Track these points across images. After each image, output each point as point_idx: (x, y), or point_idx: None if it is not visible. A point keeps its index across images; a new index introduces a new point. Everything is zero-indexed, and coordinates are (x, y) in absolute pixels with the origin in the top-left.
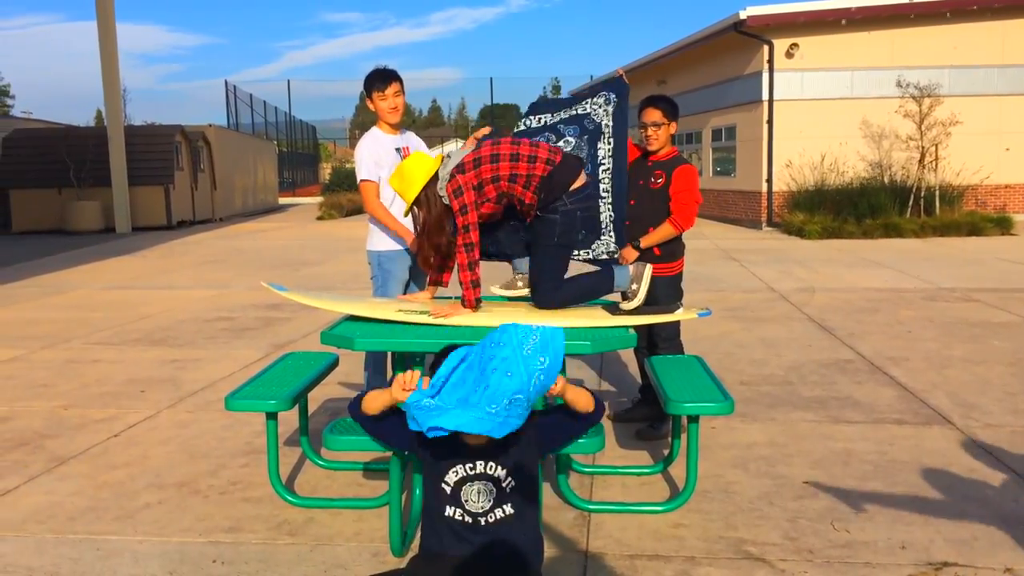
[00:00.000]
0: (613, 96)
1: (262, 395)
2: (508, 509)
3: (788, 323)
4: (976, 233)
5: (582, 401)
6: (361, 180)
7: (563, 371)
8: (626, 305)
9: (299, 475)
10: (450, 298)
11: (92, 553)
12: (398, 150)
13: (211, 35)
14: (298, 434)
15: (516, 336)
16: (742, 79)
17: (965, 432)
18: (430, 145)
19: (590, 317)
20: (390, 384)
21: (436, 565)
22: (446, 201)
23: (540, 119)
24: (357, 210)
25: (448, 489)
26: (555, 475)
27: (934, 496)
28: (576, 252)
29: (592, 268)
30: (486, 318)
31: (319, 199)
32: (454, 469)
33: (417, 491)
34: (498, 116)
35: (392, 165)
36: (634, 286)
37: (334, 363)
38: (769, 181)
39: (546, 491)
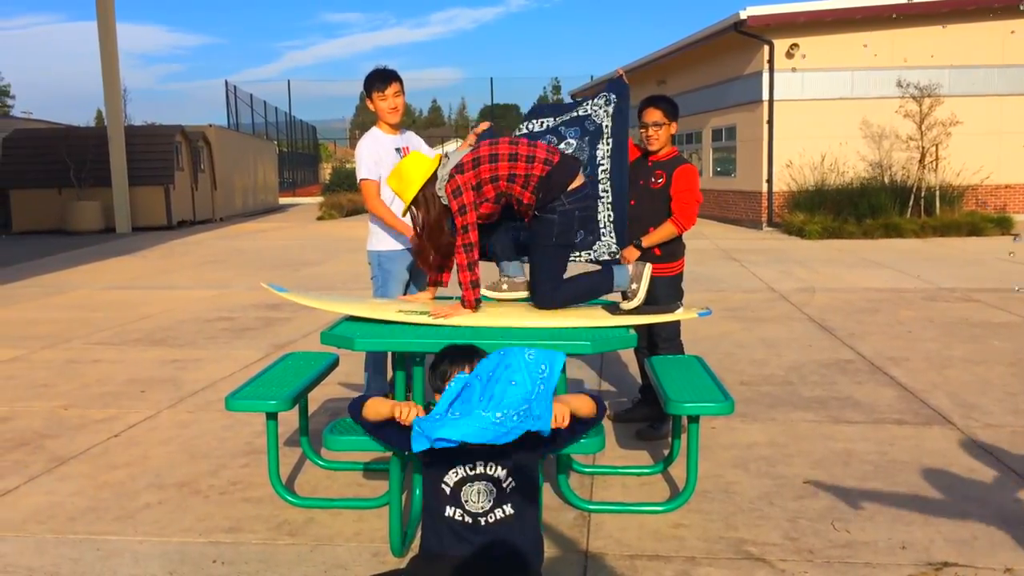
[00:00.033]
0: (613, 96)
1: (262, 395)
2: (508, 509)
3: (788, 323)
4: (976, 233)
5: (584, 408)
6: (361, 179)
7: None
8: (626, 305)
9: (299, 475)
10: (450, 299)
11: (92, 553)
12: (398, 150)
13: (211, 35)
14: (298, 434)
15: (516, 351)
16: (742, 79)
17: (965, 432)
18: (430, 146)
19: (590, 317)
20: (391, 386)
21: (436, 565)
22: (445, 202)
23: (542, 123)
24: (357, 210)
25: (448, 489)
26: (555, 475)
27: (934, 496)
28: (577, 253)
29: (592, 268)
30: (486, 318)
31: (319, 199)
32: (454, 469)
33: (417, 491)
34: (498, 116)
35: (392, 165)
36: (634, 286)
37: (334, 363)
38: (769, 181)
39: (546, 491)
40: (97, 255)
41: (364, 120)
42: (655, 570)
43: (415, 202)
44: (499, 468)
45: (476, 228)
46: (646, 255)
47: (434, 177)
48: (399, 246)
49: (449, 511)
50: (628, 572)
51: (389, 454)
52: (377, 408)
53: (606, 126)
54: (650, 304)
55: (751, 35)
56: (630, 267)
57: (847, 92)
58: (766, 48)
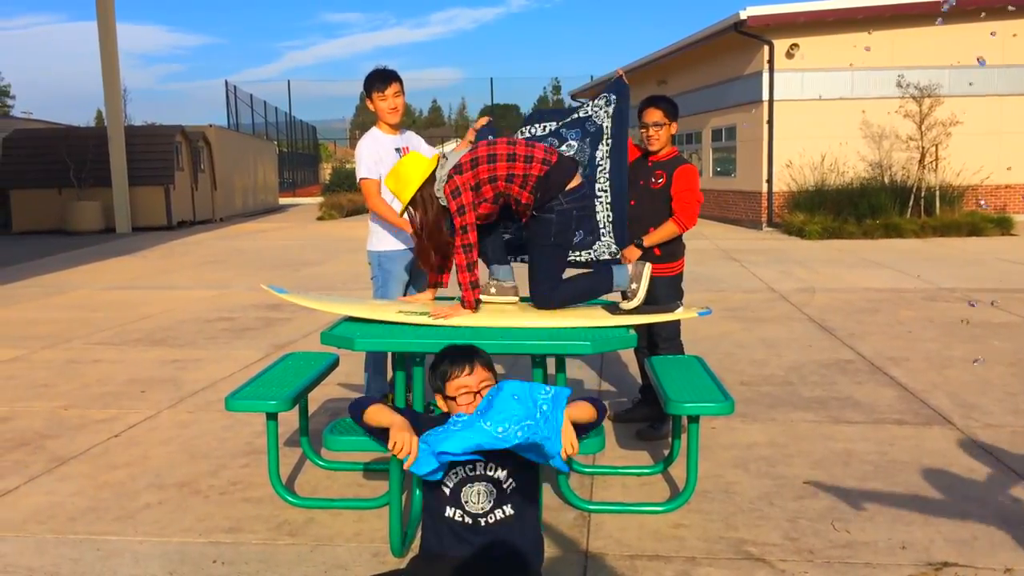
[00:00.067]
0: (613, 97)
1: (262, 395)
2: (508, 510)
3: (788, 323)
4: (976, 233)
5: (584, 415)
6: (362, 178)
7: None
8: (626, 305)
9: (299, 475)
10: (450, 299)
11: (92, 553)
12: (398, 150)
13: (211, 35)
14: (298, 434)
15: (517, 382)
16: (742, 79)
17: (965, 432)
18: (431, 146)
19: (590, 317)
20: (391, 386)
21: (436, 566)
22: (443, 203)
23: (544, 127)
24: (357, 210)
25: (448, 490)
26: (555, 475)
27: (934, 496)
28: (578, 253)
29: (591, 268)
30: (486, 318)
31: (319, 199)
32: (454, 470)
33: (417, 492)
34: (498, 116)
35: (392, 165)
36: (633, 285)
37: (334, 363)
38: (769, 181)
39: (546, 491)
40: (97, 255)
41: (364, 120)
42: (655, 570)
43: (412, 203)
44: (499, 469)
45: (475, 228)
46: (646, 255)
47: (432, 178)
48: (399, 246)
49: (449, 512)
50: (628, 572)
51: (389, 454)
52: (378, 417)
53: (606, 126)
54: (650, 304)
55: (751, 35)
56: (630, 267)
57: (847, 92)
58: (766, 48)
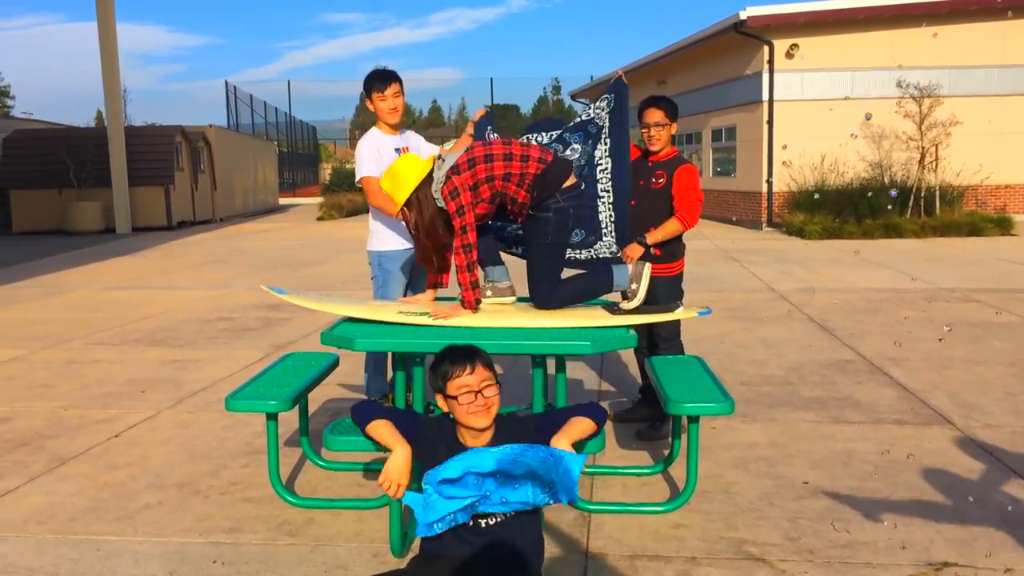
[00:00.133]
0: (613, 97)
1: (262, 396)
2: (509, 511)
3: (788, 323)
4: (976, 233)
5: (585, 432)
6: (363, 177)
7: (562, 388)
8: (626, 305)
9: (299, 475)
10: (451, 299)
11: (92, 554)
12: (398, 150)
13: (211, 35)
14: (298, 435)
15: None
16: (742, 79)
17: (965, 432)
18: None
19: (590, 317)
20: (391, 386)
21: (436, 566)
22: (441, 203)
23: (550, 134)
24: (357, 210)
25: None
26: None
27: (934, 496)
28: (578, 252)
29: (591, 269)
30: (486, 318)
31: (319, 199)
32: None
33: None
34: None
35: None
36: (633, 286)
37: (334, 364)
38: (769, 181)
39: None
40: (97, 255)
41: (364, 120)
42: (655, 570)
43: (408, 203)
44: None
45: (475, 229)
46: (646, 255)
47: (429, 179)
48: (399, 247)
49: None
50: (628, 572)
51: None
52: (381, 436)
53: (605, 125)
54: (650, 304)
55: (751, 35)
56: (630, 267)
57: (847, 92)
58: (766, 48)
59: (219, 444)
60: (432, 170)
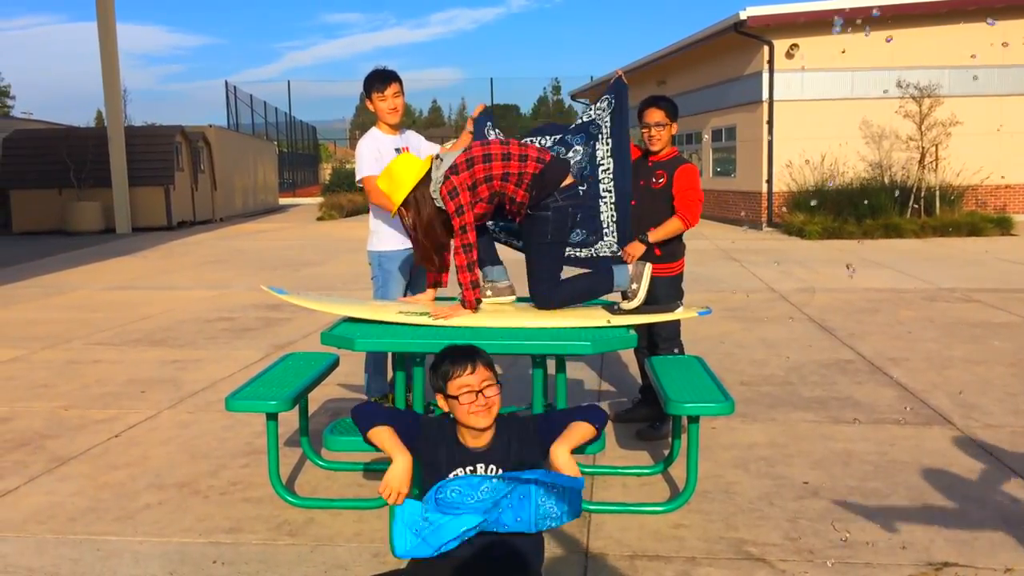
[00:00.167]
0: (613, 98)
1: (262, 396)
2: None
3: (788, 323)
4: (976, 233)
5: (585, 438)
6: (364, 176)
7: (562, 391)
8: (626, 305)
9: (299, 476)
10: (451, 299)
11: (92, 554)
12: (398, 150)
13: (211, 35)
14: (298, 435)
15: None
16: (742, 79)
17: (965, 432)
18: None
19: (590, 317)
20: (391, 386)
21: (436, 566)
22: (439, 203)
23: (553, 138)
24: (357, 210)
25: None
26: None
27: (934, 496)
28: (578, 251)
29: (591, 269)
30: (486, 318)
31: (319, 200)
32: (455, 472)
33: (415, 492)
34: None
35: None
36: (634, 286)
37: (334, 364)
38: (769, 181)
39: None
40: (97, 255)
41: (364, 120)
42: (655, 570)
43: (406, 203)
44: (500, 471)
45: (474, 228)
46: (646, 255)
47: (427, 178)
48: (399, 247)
49: None
50: (628, 572)
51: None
52: (382, 443)
53: (606, 125)
54: (650, 304)
55: (751, 35)
56: (630, 267)
57: (847, 92)
58: (766, 48)
59: (219, 444)
60: (430, 169)
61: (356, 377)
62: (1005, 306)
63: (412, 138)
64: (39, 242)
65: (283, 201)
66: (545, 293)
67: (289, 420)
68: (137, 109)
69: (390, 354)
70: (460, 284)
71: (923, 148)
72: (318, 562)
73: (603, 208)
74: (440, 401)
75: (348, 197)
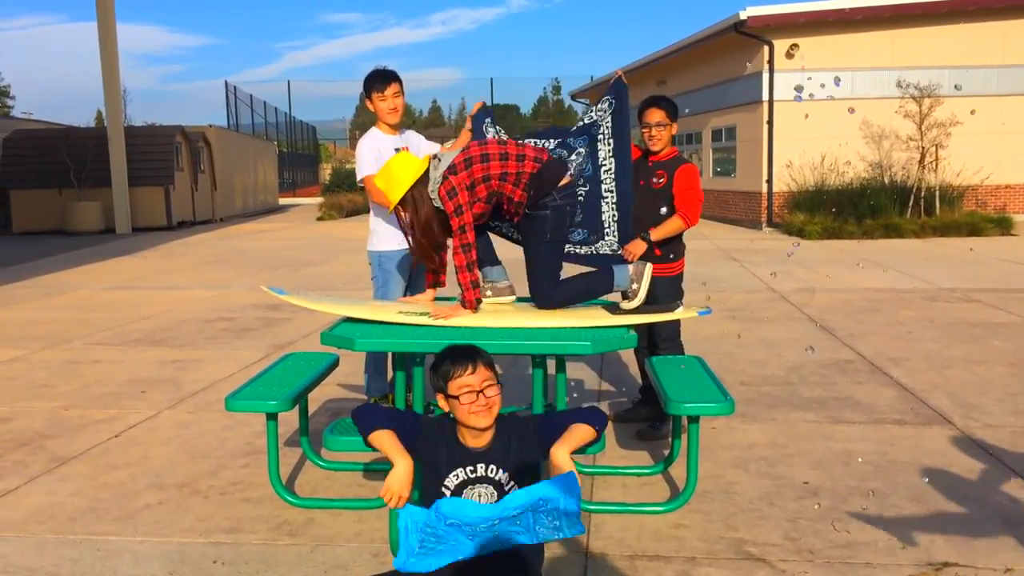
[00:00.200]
0: (613, 98)
1: (262, 396)
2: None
3: (788, 323)
4: (976, 233)
5: (585, 440)
6: (364, 176)
7: (561, 392)
8: (626, 304)
9: (299, 476)
10: (450, 299)
11: (92, 554)
12: (397, 150)
13: (211, 35)
14: (298, 435)
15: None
16: (742, 79)
17: (965, 432)
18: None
19: (590, 317)
20: (391, 386)
21: None
22: (438, 204)
23: (556, 141)
24: (357, 210)
25: (449, 493)
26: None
27: (934, 496)
28: (579, 248)
29: (591, 269)
30: (486, 318)
31: (319, 200)
32: (455, 473)
33: (416, 493)
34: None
35: None
36: (634, 286)
37: (334, 364)
38: (769, 181)
39: None
40: (97, 255)
41: (364, 120)
42: (655, 570)
43: (403, 202)
44: (500, 470)
45: (473, 228)
46: (646, 255)
47: (424, 178)
48: (399, 247)
49: None
50: (628, 572)
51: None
52: (383, 446)
53: (607, 125)
54: (650, 304)
55: (751, 35)
56: (630, 267)
57: (847, 92)
58: (766, 48)
59: (219, 444)
60: (428, 169)
61: (356, 377)
62: (1005, 306)
63: (412, 138)
64: (39, 242)
65: (283, 201)
66: (545, 292)
67: (289, 420)
68: (137, 109)
69: (390, 354)
70: (460, 284)
71: (923, 148)
72: (318, 562)
73: (604, 208)
74: (440, 401)
75: (348, 197)
